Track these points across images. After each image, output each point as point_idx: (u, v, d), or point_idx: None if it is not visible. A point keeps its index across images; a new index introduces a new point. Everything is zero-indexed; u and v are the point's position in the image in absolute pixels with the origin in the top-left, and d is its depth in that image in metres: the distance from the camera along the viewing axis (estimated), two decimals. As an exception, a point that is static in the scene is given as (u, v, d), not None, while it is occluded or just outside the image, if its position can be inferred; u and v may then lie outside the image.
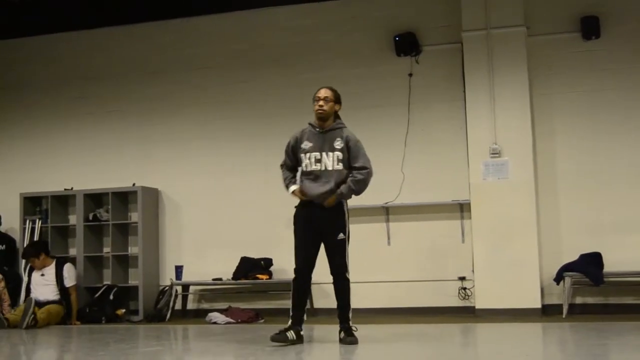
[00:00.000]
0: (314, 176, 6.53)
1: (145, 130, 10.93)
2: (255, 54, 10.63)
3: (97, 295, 10.19)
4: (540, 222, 9.33)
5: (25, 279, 9.79)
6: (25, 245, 10.57)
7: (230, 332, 8.28)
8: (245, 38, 10.71)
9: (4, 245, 10.86)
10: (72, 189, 10.86)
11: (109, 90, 11.15)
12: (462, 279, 9.57)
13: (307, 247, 6.59)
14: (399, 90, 10.02)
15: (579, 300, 9.22)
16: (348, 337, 6.47)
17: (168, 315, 9.92)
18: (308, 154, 6.55)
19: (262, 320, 9.38)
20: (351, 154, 6.55)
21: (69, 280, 9.73)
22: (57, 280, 9.70)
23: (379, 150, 9.92)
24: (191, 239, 10.57)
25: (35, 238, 10.69)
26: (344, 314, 6.63)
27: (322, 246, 6.69)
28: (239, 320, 9.29)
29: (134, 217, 10.71)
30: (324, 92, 6.60)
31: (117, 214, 10.67)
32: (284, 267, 9.86)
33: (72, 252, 10.79)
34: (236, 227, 10.32)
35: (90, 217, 10.68)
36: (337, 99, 6.66)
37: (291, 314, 6.62)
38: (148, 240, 10.56)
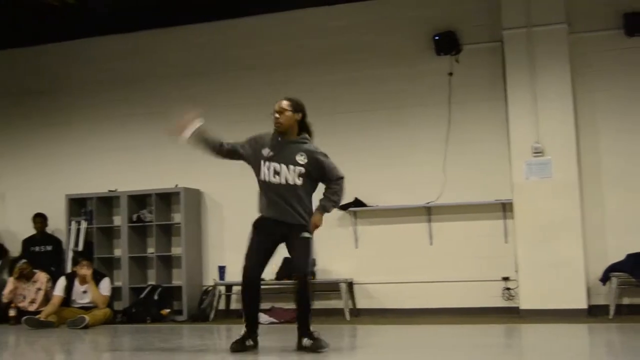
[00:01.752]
0: (274, 192, 6.17)
1: (188, 131, 10.95)
2: (294, 55, 10.62)
3: (142, 295, 10.26)
4: (584, 221, 9.19)
5: (63, 282, 9.77)
6: (71, 246, 10.69)
7: (273, 332, 8.27)
8: (284, 39, 10.70)
9: (51, 246, 10.99)
10: (116, 190, 10.94)
11: (152, 92, 11.21)
12: (506, 279, 9.46)
13: (260, 253, 6.37)
14: (439, 90, 9.94)
15: (626, 300, 9.06)
16: (315, 343, 6.04)
17: (212, 315, 9.95)
18: (267, 163, 6.20)
19: (305, 320, 9.34)
20: (325, 171, 6.21)
21: (103, 291, 9.67)
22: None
23: (420, 150, 9.96)
24: (234, 239, 10.52)
25: (81, 239, 10.81)
26: (304, 319, 6.21)
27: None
28: (282, 320, 9.28)
29: (177, 218, 10.76)
30: (279, 105, 6.20)
31: (161, 215, 10.73)
32: (327, 267, 9.86)
33: (117, 252, 10.89)
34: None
35: (134, 218, 10.76)
36: (295, 108, 6.20)
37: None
38: (191, 240, 10.60)
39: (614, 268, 8.88)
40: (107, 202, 11.10)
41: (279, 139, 6.21)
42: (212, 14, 10.72)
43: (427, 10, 10.12)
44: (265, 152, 6.21)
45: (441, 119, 9.88)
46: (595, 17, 9.52)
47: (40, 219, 11.05)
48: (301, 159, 6.15)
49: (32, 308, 9.79)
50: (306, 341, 6.05)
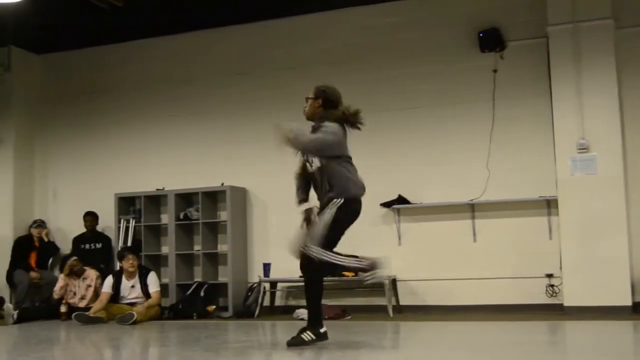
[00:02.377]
0: (314, 180, 6.47)
1: (232, 130, 11.09)
2: (338, 54, 10.66)
3: (188, 292, 10.39)
4: (630, 218, 9.08)
5: (111, 280, 9.94)
6: (120, 244, 10.90)
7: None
8: (327, 38, 10.74)
9: (100, 244, 11.21)
10: (163, 189, 11.11)
11: (196, 93, 11.36)
12: (550, 276, 9.39)
13: None
14: (483, 87, 9.89)
15: (671, 297, 8.95)
16: (295, 338, 6.23)
17: (257, 312, 10.03)
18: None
19: (349, 317, 9.40)
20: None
21: (153, 287, 9.89)
22: (142, 289, 9.86)
23: (464, 147, 9.93)
24: (278, 237, 10.60)
25: (130, 237, 11.00)
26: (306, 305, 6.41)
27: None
28: (326, 317, 9.28)
29: (223, 215, 10.88)
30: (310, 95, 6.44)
31: (207, 213, 10.86)
32: (370, 264, 9.86)
33: (164, 250, 11.06)
34: (322, 224, 10.35)
35: (181, 216, 10.91)
36: (316, 95, 6.41)
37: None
38: (237, 238, 10.72)
39: (659, 265, 8.77)
40: (155, 200, 11.28)
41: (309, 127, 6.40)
42: (256, 15, 10.80)
43: (470, 6, 10.08)
44: None
45: (485, 116, 9.84)
46: (641, 12, 9.42)
47: (90, 217, 11.28)
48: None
49: (82, 304, 10.00)
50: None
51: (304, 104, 6.44)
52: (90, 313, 9.41)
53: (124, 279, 9.87)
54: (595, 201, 9.02)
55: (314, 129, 6.32)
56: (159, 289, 9.94)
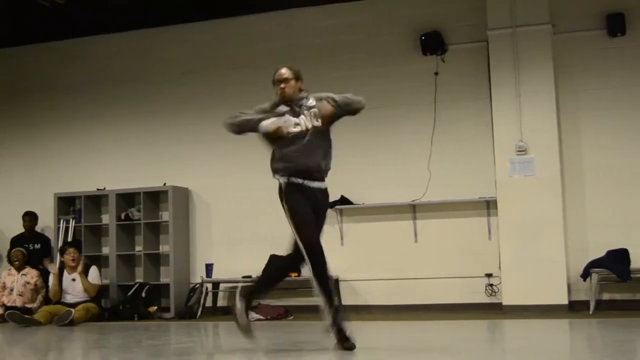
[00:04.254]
0: (296, 142, 5.78)
1: (176, 130, 10.99)
2: (285, 54, 10.57)
3: (129, 293, 10.26)
4: (566, 218, 9.25)
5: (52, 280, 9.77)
6: (60, 244, 10.69)
7: (259, 329, 8.24)
8: (276, 38, 10.71)
9: (39, 244, 10.98)
10: (104, 189, 10.95)
11: (141, 92, 11.23)
12: (489, 275, 9.52)
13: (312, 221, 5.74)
14: (425, 89, 9.98)
15: (606, 296, 9.13)
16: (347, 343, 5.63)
17: (199, 313, 9.97)
18: (285, 116, 5.87)
19: (292, 317, 9.39)
20: (337, 99, 5.94)
21: (92, 280, 9.74)
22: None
23: (405, 148, 10.02)
24: (221, 237, 10.60)
25: (69, 237, 10.80)
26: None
27: None
28: (269, 317, 9.30)
29: (165, 216, 10.78)
30: (281, 75, 5.96)
31: (149, 213, 10.74)
32: (313, 264, 9.86)
33: (105, 250, 10.89)
34: (265, 224, 10.26)
35: (123, 217, 10.77)
36: (297, 76, 6.02)
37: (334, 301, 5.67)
38: (179, 238, 10.62)
39: (594, 264, 8.93)
40: (96, 200, 11.10)
41: (284, 106, 5.92)
42: (203, 14, 10.73)
43: (413, 10, 10.17)
44: (281, 109, 5.93)
45: (427, 118, 9.93)
46: (578, 18, 9.58)
47: (29, 218, 11.04)
48: (310, 102, 5.93)
49: (19, 302, 9.77)
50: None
51: (277, 84, 5.95)
52: (36, 316, 9.20)
53: (65, 272, 9.72)
54: (533, 202, 9.17)
55: (324, 95, 5.97)
56: (98, 282, 9.81)
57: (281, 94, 5.94)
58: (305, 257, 5.58)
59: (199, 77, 10.98)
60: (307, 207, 5.73)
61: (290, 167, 5.82)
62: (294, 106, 5.90)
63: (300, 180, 5.81)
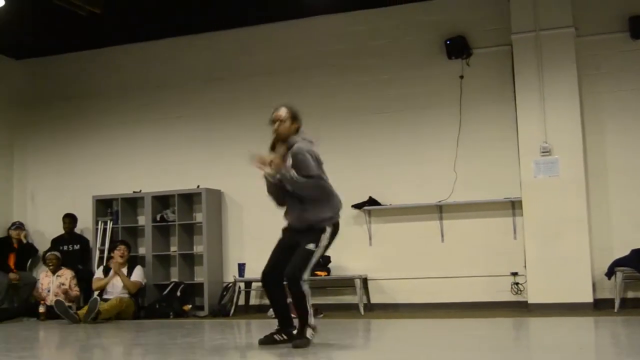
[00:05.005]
0: (288, 198, 6.10)
1: (208, 134, 11.06)
2: (311, 60, 10.67)
3: (165, 292, 10.34)
4: (591, 218, 9.19)
5: (101, 270, 9.99)
6: (98, 245, 10.81)
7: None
8: (301, 45, 10.75)
9: (78, 245, 11.10)
10: (140, 191, 11.04)
11: (174, 97, 11.31)
12: (515, 274, 9.47)
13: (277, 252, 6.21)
14: (450, 92, 9.97)
15: (630, 294, 9.04)
16: (298, 342, 5.89)
17: (232, 311, 10.01)
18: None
19: (322, 315, 9.39)
20: (298, 166, 5.95)
21: (134, 277, 9.85)
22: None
23: (432, 150, 10.00)
24: (253, 238, 10.64)
25: (107, 239, 10.91)
26: (299, 319, 6.02)
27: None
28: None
29: (199, 217, 10.84)
30: (277, 114, 6.11)
31: (183, 215, 10.82)
32: (342, 264, 9.91)
33: (142, 251, 10.98)
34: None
35: (158, 218, 10.85)
36: (294, 117, 6.10)
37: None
38: (212, 239, 10.68)
39: (618, 263, 8.86)
40: (132, 202, 11.20)
41: (278, 146, 6.11)
42: (232, 22, 10.79)
43: (438, 15, 10.15)
44: None
45: (452, 121, 9.91)
46: (601, 21, 9.52)
47: (69, 219, 11.17)
48: (290, 162, 5.99)
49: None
50: (297, 341, 5.89)
51: (274, 125, 6.10)
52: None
53: (111, 272, 9.85)
54: (558, 202, 9.12)
55: (296, 155, 5.97)
56: (139, 279, 9.91)
57: (274, 132, 6.11)
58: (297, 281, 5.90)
59: (226, 84, 11.04)
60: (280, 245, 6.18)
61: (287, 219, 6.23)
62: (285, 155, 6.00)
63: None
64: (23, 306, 10.32)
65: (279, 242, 6.23)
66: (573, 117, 9.24)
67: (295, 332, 6.01)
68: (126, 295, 9.68)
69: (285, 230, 6.29)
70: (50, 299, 9.88)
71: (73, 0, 9.59)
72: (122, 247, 9.99)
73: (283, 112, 6.09)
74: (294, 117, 6.10)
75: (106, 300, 9.51)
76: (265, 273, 6.16)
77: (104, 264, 10.23)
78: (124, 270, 9.87)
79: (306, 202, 6.00)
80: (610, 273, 8.88)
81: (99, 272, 10.04)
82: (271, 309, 9.30)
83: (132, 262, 10.25)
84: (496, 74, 9.83)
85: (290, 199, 6.07)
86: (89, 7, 9.81)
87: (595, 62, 9.49)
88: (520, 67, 9.47)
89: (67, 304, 9.40)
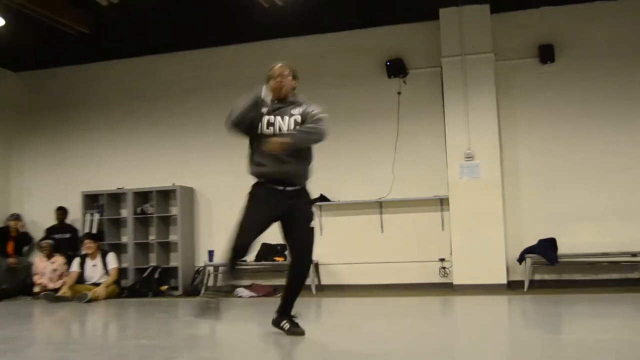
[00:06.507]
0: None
1: (181, 139, 11.00)
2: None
3: (144, 274, 10.27)
4: (506, 213, 9.35)
5: (78, 260, 9.77)
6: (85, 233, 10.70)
7: (252, 304, 8.35)
8: (262, 64, 10.42)
9: (69, 234, 10.96)
10: (123, 188, 10.94)
11: (151, 107, 11.20)
12: (442, 260, 9.61)
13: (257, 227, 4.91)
14: (390, 106, 10.04)
15: (537, 277, 9.24)
16: (291, 329, 5.14)
17: (202, 291, 9.98)
18: (265, 117, 5.04)
19: (279, 295, 9.41)
20: (310, 114, 5.09)
21: (111, 264, 9.71)
22: (103, 267, 9.70)
23: (374, 155, 10.06)
24: (221, 228, 10.50)
25: (94, 229, 10.77)
26: (291, 302, 5.20)
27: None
28: (260, 294, 9.36)
29: (174, 210, 10.77)
30: (280, 69, 5.19)
31: (160, 208, 10.75)
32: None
33: (124, 239, 10.87)
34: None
35: (138, 211, 10.76)
36: (295, 76, 5.30)
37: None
38: (185, 229, 10.64)
39: (528, 251, 9.04)
40: (116, 197, 11.09)
41: (276, 102, 5.13)
42: (199, 42, 10.73)
43: (381, 40, 10.20)
44: (264, 110, 5.11)
45: (391, 130, 9.99)
46: (516, 48, 9.66)
47: (61, 211, 11.02)
48: (296, 111, 5.12)
49: (51, 285, 9.78)
50: (285, 324, 5.15)
51: (274, 77, 5.19)
52: (60, 293, 9.20)
53: (87, 260, 9.72)
54: (478, 200, 9.26)
55: (310, 108, 5.13)
56: (116, 265, 9.76)
57: (278, 87, 5.10)
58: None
59: (198, 95, 10.94)
60: (260, 212, 4.89)
61: (262, 171, 4.99)
62: (281, 104, 5.06)
63: (269, 185, 4.95)
64: (20, 287, 10.17)
65: (260, 212, 4.95)
66: (492, 128, 9.39)
67: (281, 310, 5.22)
68: (111, 284, 9.56)
69: (258, 186, 5.03)
70: (45, 283, 9.79)
71: (64, 21, 9.50)
72: (85, 241, 9.79)
73: (285, 67, 5.18)
74: (295, 75, 5.26)
75: (95, 284, 9.42)
76: (244, 245, 4.90)
77: (80, 255, 9.96)
78: (97, 259, 9.69)
79: (294, 154, 4.99)
80: (521, 259, 9.05)
81: (75, 265, 9.70)
82: (238, 289, 9.39)
83: (108, 250, 10.15)
84: (428, 91, 9.93)
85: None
86: (78, 27, 9.74)
87: (510, 83, 9.66)
88: (448, 86, 9.57)
89: (55, 295, 9.23)
